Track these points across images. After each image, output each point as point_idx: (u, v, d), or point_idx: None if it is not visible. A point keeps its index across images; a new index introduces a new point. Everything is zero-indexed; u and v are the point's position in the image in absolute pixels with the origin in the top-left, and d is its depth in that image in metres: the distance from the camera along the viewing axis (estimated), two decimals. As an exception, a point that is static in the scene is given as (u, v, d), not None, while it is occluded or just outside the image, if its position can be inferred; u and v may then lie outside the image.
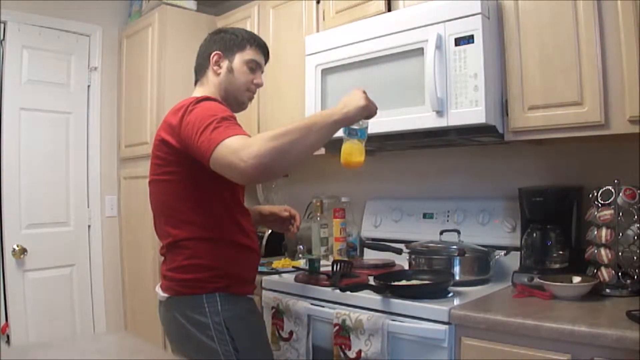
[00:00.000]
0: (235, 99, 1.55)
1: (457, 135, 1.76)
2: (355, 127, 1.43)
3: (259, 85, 1.59)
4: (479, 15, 1.62)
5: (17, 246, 2.65)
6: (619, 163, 1.66)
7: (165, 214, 1.44)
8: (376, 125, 1.86)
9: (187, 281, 1.39)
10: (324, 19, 2.24)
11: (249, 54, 1.56)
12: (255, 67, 1.58)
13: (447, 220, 2.08)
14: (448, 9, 1.69)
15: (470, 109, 1.63)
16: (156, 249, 2.68)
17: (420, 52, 1.75)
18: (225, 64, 1.54)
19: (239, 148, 1.18)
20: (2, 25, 2.66)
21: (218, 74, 1.54)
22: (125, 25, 3.11)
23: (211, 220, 1.40)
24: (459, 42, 1.66)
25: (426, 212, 2.16)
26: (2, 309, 2.57)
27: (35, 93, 2.77)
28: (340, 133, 1.41)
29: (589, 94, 1.50)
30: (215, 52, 1.55)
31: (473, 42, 1.63)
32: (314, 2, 2.27)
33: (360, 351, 1.53)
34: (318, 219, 2.31)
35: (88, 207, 2.98)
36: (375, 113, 1.42)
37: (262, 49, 1.61)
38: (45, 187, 2.79)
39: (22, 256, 2.66)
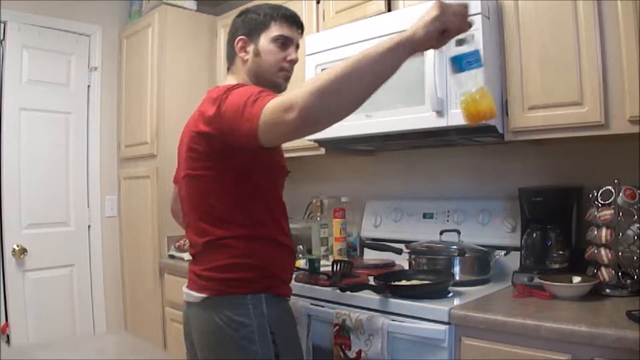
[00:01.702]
0: (270, 82, 1.41)
1: (457, 135, 1.76)
2: (463, 52, 1.09)
3: (293, 61, 1.44)
4: (479, 15, 1.62)
5: (17, 246, 2.65)
6: (619, 163, 1.66)
7: (203, 211, 1.35)
8: (376, 125, 1.88)
9: (232, 280, 1.30)
10: (324, 19, 2.24)
11: (274, 30, 1.42)
12: (286, 42, 1.43)
13: (447, 220, 2.08)
14: (448, 9, 1.69)
15: (470, 109, 1.63)
16: (156, 248, 2.72)
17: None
18: (251, 48, 1.42)
19: (282, 102, 1.07)
20: (2, 25, 2.66)
21: (245, 60, 1.43)
22: (125, 25, 3.11)
23: (254, 218, 1.33)
24: (459, 42, 1.66)
25: (426, 212, 2.16)
26: (2, 309, 2.57)
27: (35, 93, 2.77)
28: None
29: (589, 94, 1.50)
30: (239, 37, 1.44)
31: (473, 42, 1.62)
32: (314, 2, 2.28)
33: (360, 351, 1.53)
34: (318, 219, 2.31)
35: (88, 207, 2.98)
36: (464, 22, 1.10)
37: (290, 20, 1.44)
38: (45, 187, 2.79)
39: (22, 256, 2.66)
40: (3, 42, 2.68)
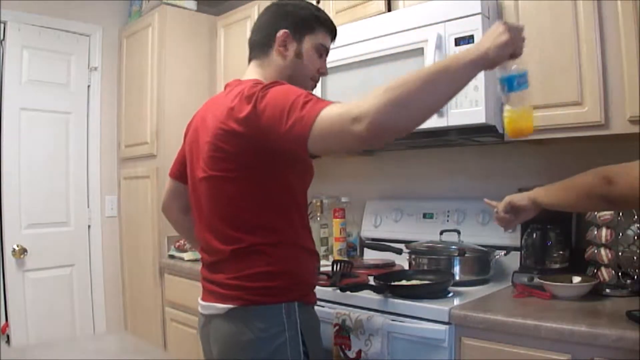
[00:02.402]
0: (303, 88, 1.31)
1: (457, 135, 1.76)
2: (513, 73, 1.16)
3: (324, 74, 1.39)
4: (479, 15, 1.62)
5: (17, 246, 2.65)
6: (618, 163, 1.66)
7: (230, 215, 1.24)
8: (376, 125, 1.87)
9: (267, 289, 1.21)
10: (324, 19, 2.24)
11: (319, 37, 1.34)
12: (323, 53, 1.37)
13: (447, 220, 2.08)
14: (448, 9, 1.69)
15: (470, 109, 1.63)
16: (156, 248, 2.72)
17: (420, 52, 1.75)
18: (293, 46, 1.32)
19: (346, 110, 1.00)
20: (2, 25, 2.67)
21: (284, 57, 1.32)
22: (125, 25, 3.11)
23: (286, 222, 1.25)
24: (459, 42, 1.66)
25: (426, 212, 2.16)
26: (2, 309, 2.57)
27: (35, 93, 2.77)
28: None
29: (589, 94, 1.50)
30: (283, 30, 1.31)
31: (473, 42, 1.63)
32: (314, 2, 2.27)
33: (360, 351, 1.53)
34: (318, 219, 2.31)
35: (88, 207, 2.99)
36: (522, 50, 1.14)
37: (334, 32, 1.39)
38: (45, 187, 2.79)
39: (22, 256, 2.66)
40: (3, 42, 2.68)
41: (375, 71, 1.90)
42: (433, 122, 1.71)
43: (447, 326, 1.41)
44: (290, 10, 1.34)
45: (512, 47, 1.10)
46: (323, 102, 1.06)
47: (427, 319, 1.45)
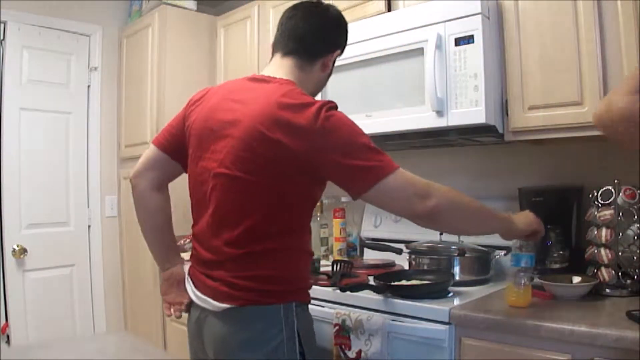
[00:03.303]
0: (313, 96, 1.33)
1: (457, 135, 1.76)
2: (525, 254, 1.53)
3: None
4: (479, 15, 1.62)
5: (17, 246, 2.65)
6: (619, 163, 1.66)
7: (246, 217, 1.20)
8: (376, 125, 1.87)
9: (270, 292, 1.20)
10: (324, 19, 2.24)
11: (337, 56, 1.40)
12: None
13: (447, 220, 2.07)
14: (448, 9, 1.69)
15: (470, 109, 1.63)
16: (156, 249, 2.71)
17: (420, 52, 1.75)
18: (332, 63, 1.38)
19: (420, 186, 1.19)
20: (2, 25, 2.67)
21: (325, 71, 1.36)
22: (125, 25, 3.11)
23: (299, 230, 1.26)
24: (459, 42, 1.66)
25: (426, 212, 2.16)
26: (2, 309, 2.57)
27: (35, 93, 2.78)
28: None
29: (589, 94, 1.50)
30: (337, 50, 1.37)
31: (473, 42, 1.63)
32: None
33: (360, 351, 1.53)
34: (318, 219, 2.31)
35: (88, 207, 2.99)
36: (537, 239, 1.46)
37: None
38: (45, 187, 2.80)
39: (22, 256, 2.66)
40: (3, 42, 2.68)
41: (376, 71, 1.90)
42: (433, 122, 1.71)
43: (447, 326, 1.41)
44: (345, 29, 1.39)
45: (535, 238, 1.43)
46: (391, 164, 1.17)
47: (427, 319, 1.45)
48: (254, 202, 1.19)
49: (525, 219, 1.40)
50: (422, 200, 1.17)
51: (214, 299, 1.22)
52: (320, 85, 1.39)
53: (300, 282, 1.27)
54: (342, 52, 1.40)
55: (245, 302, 1.19)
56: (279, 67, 1.31)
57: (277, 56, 1.33)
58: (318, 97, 1.33)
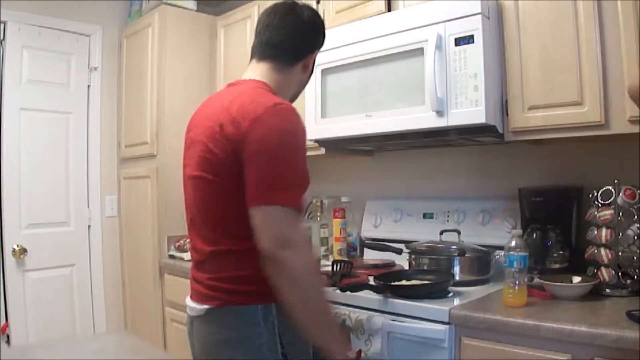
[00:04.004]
0: (293, 99, 1.39)
1: (457, 135, 1.76)
2: (516, 254, 1.46)
3: None
4: (479, 15, 1.62)
5: (17, 246, 2.65)
6: (619, 163, 1.66)
7: (213, 218, 1.25)
8: (376, 125, 1.88)
9: (241, 292, 1.22)
10: (323, 19, 2.24)
11: (316, 57, 1.43)
12: None
13: (447, 220, 2.08)
14: (448, 9, 1.69)
15: (470, 109, 1.63)
16: (156, 248, 2.72)
17: (420, 52, 1.75)
18: (312, 64, 1.40)
19: (287, 234, 1.12)
20: (2, 25, 2.66)
21: (305, 72, 1.39)
22: (125, 25, 3.11)
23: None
24: (459, 42, 1.66)
25: (426, 212, 2.16)
26: (2, 309, 2.57)
27: (35, 93, 2.77)
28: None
29: (589, 94, 1.50)
30: (317, 50, 1.39)
31: (473, 42, 1.63)
32: (314, 2, 2.28)
33: (360, 351, 1.52)
34: (318, 219, 2.32)
35: (88, 207, 2.98)
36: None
37: None
38: (45, 187, 2.79)
39: (22, 256, 2.66)
40: (3, 42, 2.68)
41: (375, 71, 1.90)
42: (433, 122, 1.71)
43: (447, 326, 1.41)
44: (321, 30, 1.40)
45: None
46: (291, 198, 1.14)
47: (427, 319, 1.45)
48: (225, 202, 1.22)
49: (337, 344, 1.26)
50: (286, 246, 1.12)
51: (197, 302, 1.26)
52: (303, 85, 1.43)
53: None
54: (319, 50, 1.43)
55: (224, 302, 1.22)
56: (254, 70, 1.35)
57: (253, 61, 1.36)
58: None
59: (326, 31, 1.43)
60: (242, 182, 1.17)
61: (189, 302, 1.32)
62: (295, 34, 1.34)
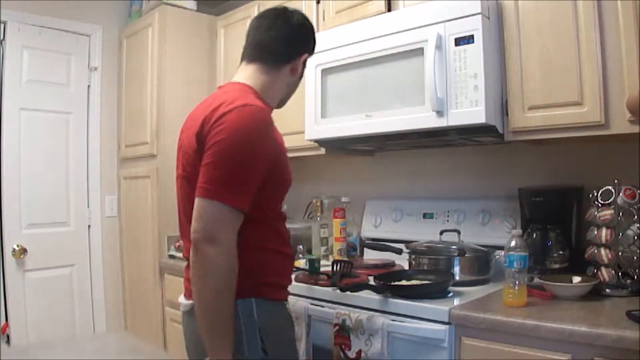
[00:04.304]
0: (283, 102, 1.45)
1: (457, 135, 1.76)
2: (516, 254, 1.46)
3: None
4: (479, 15, 1.62)
5: (17, 246, 2.65)
6: (619, 163, 1.66)
7: (191, 214, 1.27)
8: (376, 125, 1.88)
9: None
10: (323, 19, 2.24)
11: (307, 61, 1.46)
12: None
13: (447, 220, 2.08)
14: (448, 9, 1.69)
15: (470, 109, 1.63)
16: (156, 248, 2.72)
17: (420, 52, 1.75)
18: (301, 67, 1.42)
19: (216, 231, 1.14)
20: (2, 25, 2.67)
21: (294, 75, 1.41)
22: (125, 25, 3.11)
23: (254, 228, 1.27)
24: (459, 42, 1.66)
25: (426, 212, 2.16)
26: (2, 309, 2.57)
27: (35, 93, 2.77)
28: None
29: (589, 94, 1.50)
30: (306, 55, 1.42)
31: (473, 42, 1.63)
32: (314, 2, 2.28)
33: (360, 351, 1.53)
34: (318, 219, 2.32)
35: (88, 207, 2.99)
36: None
37: None
38: (45, 187, 2.79)
39: (22, 256, 2.66)
40: (3, 42, 2.68)
41: (375, 71, 1.90)
42: (433, 122, 1.71)
43: (447, 326, 1.41)
44: (311, 34, 1.43)
45: None
46: (231, 199, 1.16)
47: (427, 319, 1.45)
48: (192, 199, 1.24)
49: None
50: (211, 241, 1.14)
51: (187, 298, 1.31)
52: (292, 87, 1.45)
53: (260, 279, 1.26)
54: (310, 55, 1.45)
55: None
56: (242, 73, 1.38)
57: (243, 63, 1.40)
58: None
59: (317, 36, 1.45)
60: None
61: (181, 298, 1.37)
62: (284, 36, 1.37)
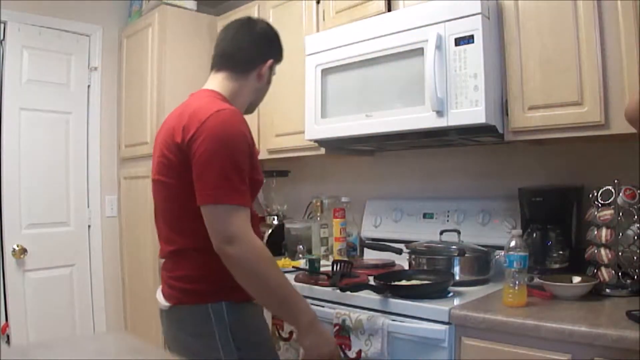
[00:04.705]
0: (252, 107, 1.51)
1: (457, 135, 1.76)
2: (516, 254, 1.45)
3: None
4: (479, 15, 1.62)
5: (17, 246, 2.65)
6: (619, 163, 1.66)
7: (170, 218, 1.36)
8: (376, 125, 1.88)
9: (191, 291, 1.31)
10: (324, 19, 2.24)
11: (276, 68, 1.51)
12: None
13: (447, 220, 2.08)
14: (448, 9, 1.69)
15: (470, 109, 1.63)
16: (156, 248, 2.71)
17: (420, 52, 1.75)
18: (268, 73, 1.47)
19: (230, 230, 1.19)
20: (2, 25, 2.66)
21: (260, 82, 1.46)
22: (125, 25, 3.11)
23: None
24: (459, 42, 1.66)
25: (426, 212, 2.16)
26: (2, 309, 2.57)
27: (35, 93, 2.77)
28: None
29: (589, 94, 1.50)
30: (272, 60, 1.47)
31: (473, 42, 1.63)
32: (314, 2, 2.27)
33: (360, 351, 1.53)
34: (318, 219, 2.31)
35: (88, 207, 2.98)
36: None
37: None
38: (45, 187, 2.79)
39: (22, 256, 2.66)
40: (3, 42, 2.68)
41: (375, 71, 1.90)
42: (433, 122, 1.71)
43: (447, 326, 1.41)
44: (275, 41, 1.50)
45: (324, 355, 1.28)
46: (236, 196, 1.22)
47: (427, 319, 1.45)
48: (179, 204, 1.32)
49: (322, 335, 1.30)
50: (232, 241, 1.20)
51: (163, 299, 1.36)
52: (260, 93, 1.51)
53: (230, 282, 1.26)
54: (278, 61, 1.51)
55: (178, 301, 1.32)
56: (212, 81, 1.45)
57: (212, 72, 1.47)
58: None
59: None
60: (191, 185, 1.26)
61: (158, 294, 1.40)
62: (247, 45, 1.44)
